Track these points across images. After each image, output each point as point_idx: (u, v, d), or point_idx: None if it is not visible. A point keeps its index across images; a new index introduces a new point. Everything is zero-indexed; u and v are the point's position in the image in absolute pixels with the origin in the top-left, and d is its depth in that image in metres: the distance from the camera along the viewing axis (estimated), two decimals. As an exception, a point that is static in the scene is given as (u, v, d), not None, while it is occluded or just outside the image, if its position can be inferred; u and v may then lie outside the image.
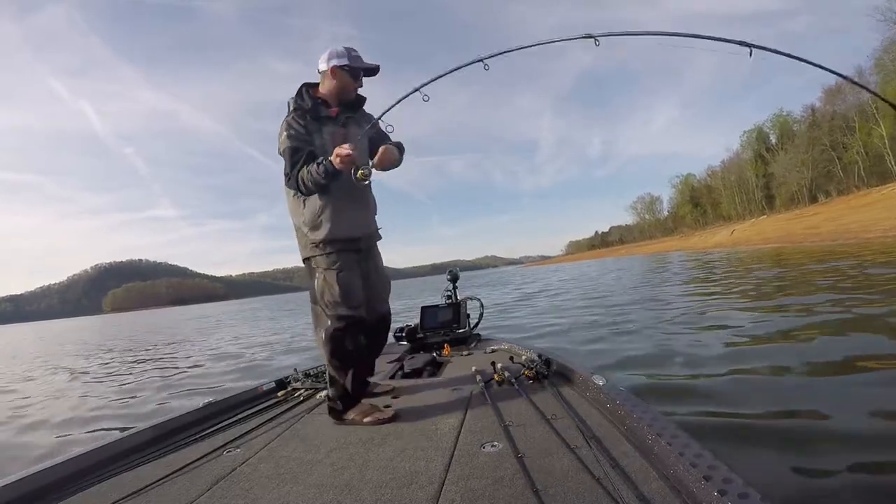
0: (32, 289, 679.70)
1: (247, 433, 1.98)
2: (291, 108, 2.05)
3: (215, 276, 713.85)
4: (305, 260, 2.10)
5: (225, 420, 2.22)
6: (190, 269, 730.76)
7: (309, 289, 2.12)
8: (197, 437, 2.00)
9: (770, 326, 4.56)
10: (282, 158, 2.00)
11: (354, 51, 2.08)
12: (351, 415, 1.97)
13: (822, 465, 1.81)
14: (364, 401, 2.07)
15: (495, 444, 1.54)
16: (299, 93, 2.09)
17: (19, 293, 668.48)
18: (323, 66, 2.06)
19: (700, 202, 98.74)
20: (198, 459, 1.70)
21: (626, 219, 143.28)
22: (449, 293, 3.95)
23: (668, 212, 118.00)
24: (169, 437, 2.00)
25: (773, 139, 78.48)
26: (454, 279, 3.98)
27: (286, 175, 1.96)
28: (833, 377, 2.89)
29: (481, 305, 4.02)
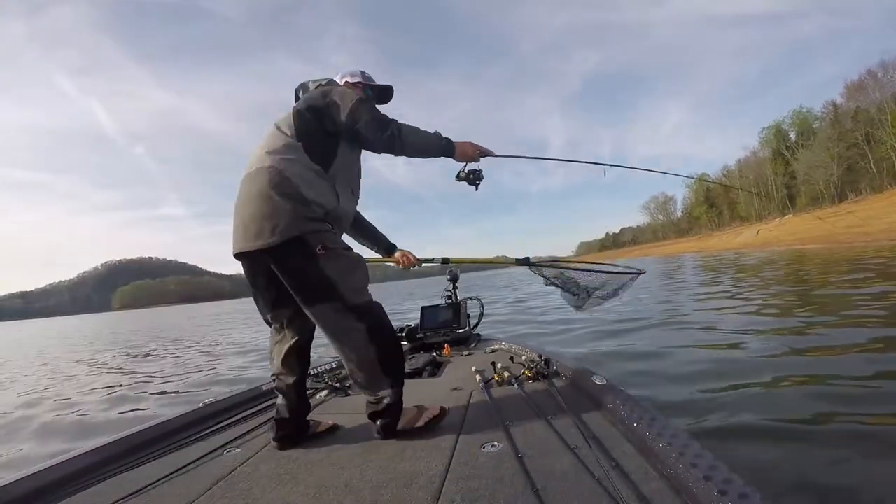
0: (42, 285, 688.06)
1: (247, 433, 1.96)
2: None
3: (225, 275, 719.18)
4: (299, 240, 1.55)
5: (225, 420, 2.19)
6: (200, 267, 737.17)
7: (305, 287, 1.60)
8: (197, 437, 1.98)
9: None
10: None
11: (367, 73, 2.04)
12: (401, 424, 1.70)
13: (823, 464, 1.83)
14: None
15: (495, 444, 1.53)
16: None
17: (29, 290, 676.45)
18: (338, 80, 1.99)
19: (716, 202, 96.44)
20: (198, 459, 1.69)
21: (638, 219, 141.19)
22: (449, 293, 3.88)
23: (683, 212, 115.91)
24: (169, 437, 1.99)
25: (792, 136, 76.27)
26: (454, 279, 3.91)
27: (379, 118, 1.71)
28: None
29: (481, 305, 3.98)
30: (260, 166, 1.62)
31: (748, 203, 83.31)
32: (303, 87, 1.92)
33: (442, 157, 1.88)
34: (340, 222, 1.74)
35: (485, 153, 1.94)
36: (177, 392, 5.38)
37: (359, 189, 1.90)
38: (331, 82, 1.90)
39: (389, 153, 1.74)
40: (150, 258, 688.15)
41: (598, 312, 8.22)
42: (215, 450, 1.78)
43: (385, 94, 2.08)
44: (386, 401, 1.67)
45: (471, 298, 3.98)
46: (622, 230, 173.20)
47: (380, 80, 2.06)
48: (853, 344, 3.68)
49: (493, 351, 3.19)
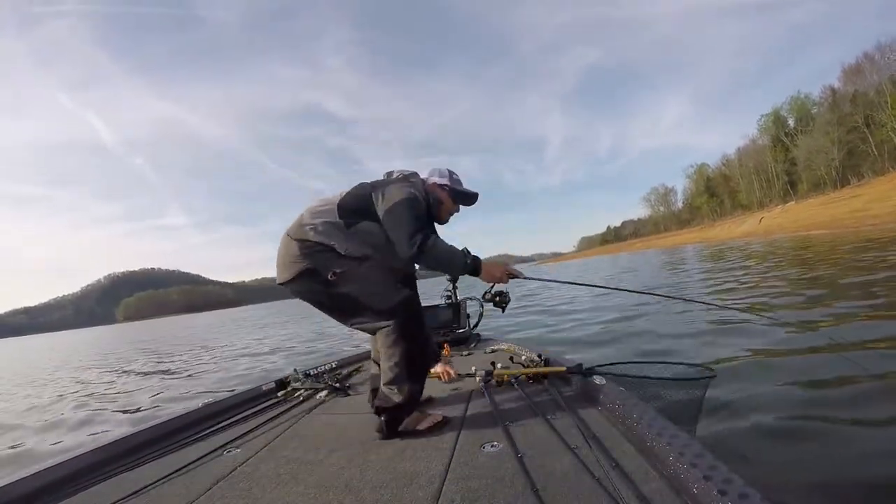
0: (46, 300, 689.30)
1: (247, 433, 1.96)
2: (418, 187, 1.94)
3: (228, 283, 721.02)
4: (309, 272, 1.79)
5: (225, 420, 2.19)
6: (203, 276, 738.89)
7: (334, 309, 1.85)
8: (197, 437, 1.99)
9: None
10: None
11: (455, 174, 2.07)
12: (404, 424, 1.73)
13: (823, 464, 1.80)
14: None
15: (495, 444, 1.53)
16: (428, 188, 2.00)
17: (33, 305, 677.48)
18: (427, 179, 2.05)
19: (716, 192, 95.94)
20: (198, 459, 1.69)
21: (639, 212, 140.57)
22: (449, 293, 3.87)
23: (683, 203, 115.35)
24: (169, 437, 1.99)
25: (791, 123, 75.78)
26: (454, 279, 3.88)
27: (411, 228, 1.72)
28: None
29: (481, 305, 3.96)
30: (297, 217, 1.88)
31: (749, 191, 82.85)
32: (388, 173, 2.05)
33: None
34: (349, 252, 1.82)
35: (514, 275, 1.88)
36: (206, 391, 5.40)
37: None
38: (412, 175, 2.00)
39: (411, 260, 1.74)
40: (153, 269, 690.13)
41: (607, 305, 8.03)
42: (215, 450, 1.78)
43: (468, 199, 2.10)
44: (396, 399, 1.72)
45: (470, 298, 3.97)
46: (623, 223, 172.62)
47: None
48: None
49: (493, 351, 3.20)
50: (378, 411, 1.75)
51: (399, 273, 1.87)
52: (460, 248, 1.79)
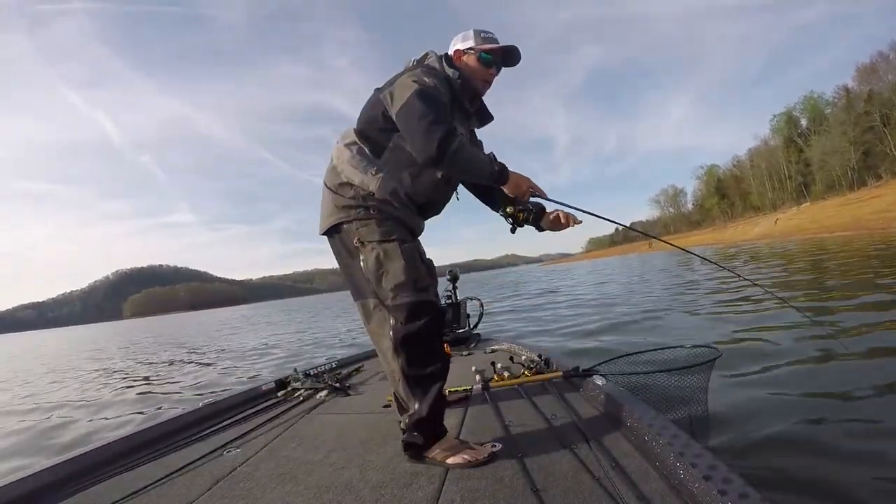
0: (54, 295, 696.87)
1: (247, 433, 1.95)
2: (435, 68, 1.60)
3: (236, 280, 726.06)
4: (335, 229, 1.58)
5: (225, 420, 2.19)
6: (210, 273, 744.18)
7: (350, 279, 1.60)
8: (197, 437, 1.98)
9: None
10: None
11: (486, 32, 1.69)
12: (434, 451, 1.46)
13: (824, 464, 1.76)
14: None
15: (495, 444, 1.51)
16: (449, 60, 1.64)
17: (41, 300, 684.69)
18: (450, 52, 1.69)
19: (727, 193, 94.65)
20: (198, 459, 1.68)
21: (648, 213, 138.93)
22: (449, 293, 3.80)
23: (693, 204, 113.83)
24: (169, 437, 1.98)
25: (804, 123, 74.47)
26: (454, 279, 3.85)
27: (428, 123, 1.37)
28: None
29: (481, 305, 3.97)
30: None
31: (761, 193, 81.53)
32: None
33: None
34: (386, 210, 1.55)
35: (537, 193, 1.59)
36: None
37: (421, 182, 1.59)
38: (425, 56, 1.66)
39: (430, 164, 1.44)
40: (160, 265, 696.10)
41: (620, 307, 7.49)
42: (215, 450, 1.78)
43: (508, 57, 1.70)
44: (408, 418, 1.49)
45: (471, 298, 3.97)
46: (632, 224, 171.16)
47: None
48: None
49: (493, 351, 3.21)
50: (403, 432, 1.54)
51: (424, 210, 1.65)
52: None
